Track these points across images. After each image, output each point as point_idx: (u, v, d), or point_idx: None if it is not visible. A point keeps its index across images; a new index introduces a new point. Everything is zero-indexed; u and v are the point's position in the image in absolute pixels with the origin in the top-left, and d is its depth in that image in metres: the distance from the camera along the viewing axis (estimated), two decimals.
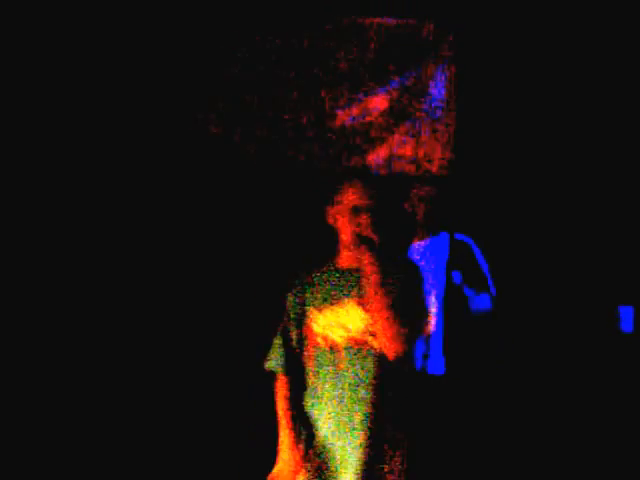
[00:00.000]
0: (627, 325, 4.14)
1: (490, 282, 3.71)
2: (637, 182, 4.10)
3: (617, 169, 4.08)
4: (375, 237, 2.60)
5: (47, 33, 3.67)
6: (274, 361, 2.74)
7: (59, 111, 3.72)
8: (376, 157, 4.05)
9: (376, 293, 2.56)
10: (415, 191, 3.64)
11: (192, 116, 3.87)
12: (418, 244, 3.74)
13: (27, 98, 3.69)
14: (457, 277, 3.70)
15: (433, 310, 3.72)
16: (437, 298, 3.70)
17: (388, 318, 2.53)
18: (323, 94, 4.00)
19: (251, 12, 3.90)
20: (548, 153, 4.08)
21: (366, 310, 2.61)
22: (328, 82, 4.00)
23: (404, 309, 2.56)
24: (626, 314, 4.14)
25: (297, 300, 2.75)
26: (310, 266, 2.77)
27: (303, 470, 2.66)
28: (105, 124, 3.77)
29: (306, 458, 2.66)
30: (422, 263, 3.71)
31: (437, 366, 3.70)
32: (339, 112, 4.02)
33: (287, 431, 2.67)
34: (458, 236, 3.74)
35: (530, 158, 4.07)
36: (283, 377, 2.74)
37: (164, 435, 3.82)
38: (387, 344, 2.54)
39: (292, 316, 2.75)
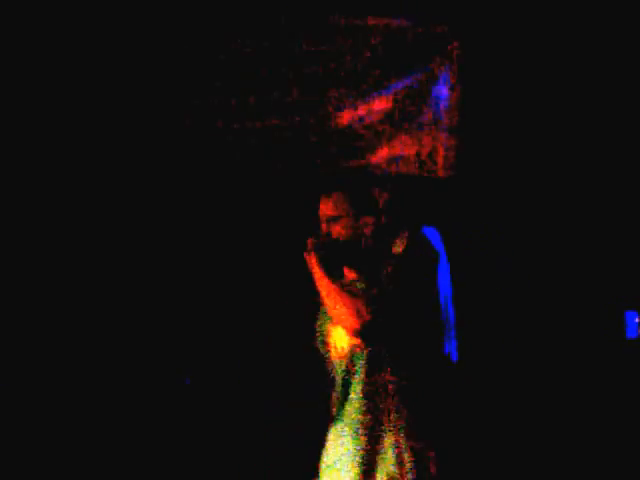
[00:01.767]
0: (632, 330, 4.09)
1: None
2: None
3: (623, 170, 4.03)
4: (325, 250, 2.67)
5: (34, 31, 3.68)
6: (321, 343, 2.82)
7: (48, 110, 3.74)
8: (379, 158, 4.04)
9: (321, 287, 2.63)
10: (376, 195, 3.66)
11: (190, 115, 3.89)
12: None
13: (19, 95, 3.71)
14: None
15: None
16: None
17: (338, 300, 2.58)
18: (327, 94, 4.00)
19: (254, 10, 3.91)
20: (553, 155, 4.04)
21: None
22: (332, 82, 4.00)
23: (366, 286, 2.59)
24: (631, 319, 4.09)
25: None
26: None
27: None
28: (98, 120, 3.79)
29: None
30: None
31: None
32: (343, 112, 4.02)
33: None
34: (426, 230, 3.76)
35: (535, 160, 4.04)
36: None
37: (164, 435, 3.86)
38: (344, 324, 2.58)
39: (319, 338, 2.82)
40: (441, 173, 4.05)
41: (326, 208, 2.74)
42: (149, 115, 3.87)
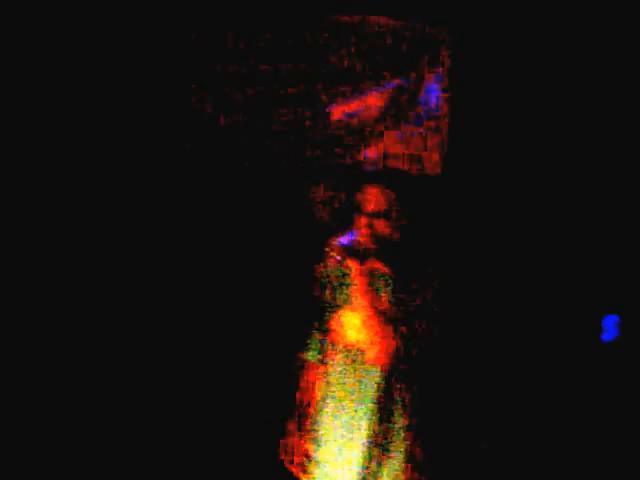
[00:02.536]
0: (610, 334, 4.15)
1: None
2: (629, 190, 4.10)
3: (610, 176, 4.08)
4: (370, 239, 2.64)
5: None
6: (313, 352, 2.82)
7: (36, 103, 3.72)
8: (369, 155, 4.08)
9: (361, 299, 2.61)
10: (316, 193, 3.74)
11: (185, 110, 3.90)
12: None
13: (16, 91, 3.69)
14: None
15: None
16: None
17: (373, 328, 2.57)
18: (319, 90, 4.03)
19: (251, 6, 3.93)
20: (542, 154, 4.09)
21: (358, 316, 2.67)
22: (324, 79, 4.03)
23: (395, 320, 2.61)
24: (610, 323, 4.15)
25: (331, 295, 2.81)
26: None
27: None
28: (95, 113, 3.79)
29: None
30: None
31: None
32: (334, 109, 4.05)
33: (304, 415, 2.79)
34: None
35: (524, 160, 4.08)
36: (319, 367, 2.81)
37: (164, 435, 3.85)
38: (375, 349, 2.58)
39: (328, 310, 2.80)
40: (430, 171, 4.08)
41: (372, 201, 2.66)
42: (143, 111, 3.87)
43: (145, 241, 3.88)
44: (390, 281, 2.69)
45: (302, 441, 2.83)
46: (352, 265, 2.65)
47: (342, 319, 2.74)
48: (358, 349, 2.68)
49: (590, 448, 4.00)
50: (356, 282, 2.64)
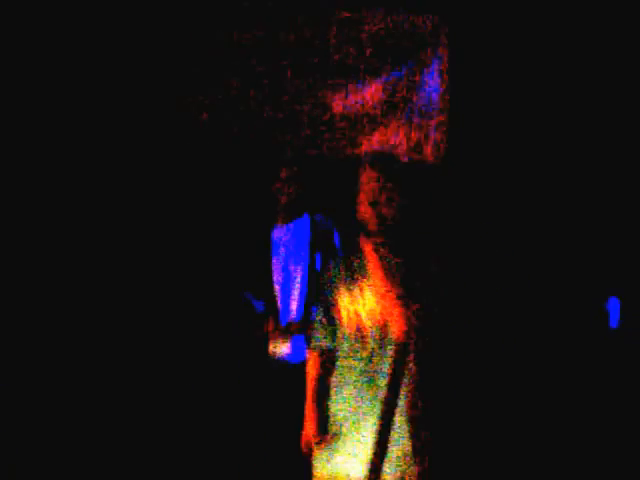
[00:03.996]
0: (613, 320, 4.16)
1: None
2: (627, 179, 4.11)
3: (607, 165, 4.09)
4: (374, 221, 2.72)
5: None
6: (318, 341, 2.85)
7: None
8: (370, 145, 4.13)
9: (377, 276, 2.68)
10: (283, 173, 3.78)
11: (185, 105, 3.96)
12: (281, 227, 3.85)
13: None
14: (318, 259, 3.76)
15: (296, 293, 3.77)
16: (300, 281, 3.77)
17: (391, 299, 2.65)
18: (319, 83, 4.09)
19: (251, 1, 4.01)
20: (541, 143, 4.11)
21: (374, 293, 2.72)
22: (325, 71, 4.09)
23: (410, 290, 2.67)
24: (613, 309, 4.16)
25: (330, 280, 2.85)
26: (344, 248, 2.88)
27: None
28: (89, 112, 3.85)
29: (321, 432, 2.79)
30: (284, 246, 3.82)
31: (298, 353, 3.70)
32: (335, 101, 4.11)
33: (312, 405, 2.81)
34: (318, 218, 3.83)
35: (522, 150, 4.11)
36: (317, 357, 2.84)
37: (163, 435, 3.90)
38: (394, 324, 2.65)
39: (328, 296, 2.84)
40: (430, 160, 4.13)
41: (387, 176, 2.76)
42: (147, 108, 3.95)
43: (133, 234, 3.94)
44: (398, 260, 2.74)
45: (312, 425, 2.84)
46: (366, 245, 2.71)
47: (356, 300, 2.78)
48: (374, 328, 2.72)
49: (596, 443, 4.00)
50: (371, 262, 2.69)
